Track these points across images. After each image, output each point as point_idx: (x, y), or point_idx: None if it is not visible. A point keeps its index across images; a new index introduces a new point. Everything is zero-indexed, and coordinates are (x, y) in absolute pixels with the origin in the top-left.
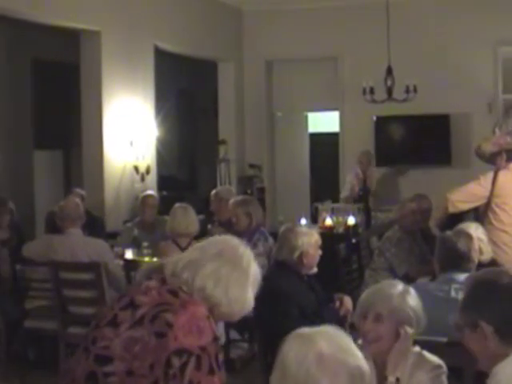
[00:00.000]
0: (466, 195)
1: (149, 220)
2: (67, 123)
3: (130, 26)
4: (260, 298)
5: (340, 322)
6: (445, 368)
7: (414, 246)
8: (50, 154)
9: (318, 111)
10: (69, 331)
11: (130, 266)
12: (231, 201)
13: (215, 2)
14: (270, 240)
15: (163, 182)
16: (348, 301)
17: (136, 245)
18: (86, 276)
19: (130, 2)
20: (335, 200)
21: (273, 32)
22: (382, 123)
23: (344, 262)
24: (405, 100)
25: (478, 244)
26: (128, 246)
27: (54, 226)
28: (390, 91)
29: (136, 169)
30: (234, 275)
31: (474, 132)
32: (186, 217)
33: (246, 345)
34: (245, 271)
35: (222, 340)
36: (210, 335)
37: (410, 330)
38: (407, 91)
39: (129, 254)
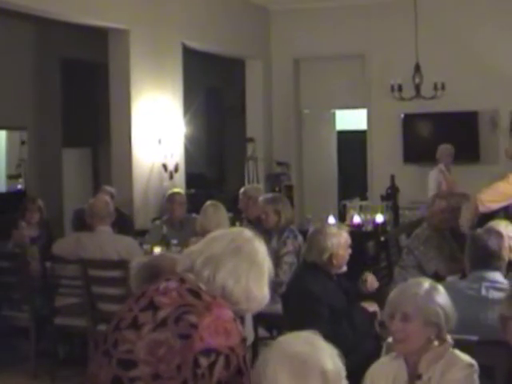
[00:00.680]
0: (495, 194)
1: (178, 218)
2: (95, 121)
3: (157, 24)
4: (290, 298)
5: (369, 320)
6: (476, 367)
7: (443, 244)
8: (79, 152)
9: (345, 109)
10: (98, 328)
11: None
12: (261, 198)
13: (243, 1)
14: (300, 238)
15: (191, 179)
16: (372, 278)
17: (165, 242)
18: (115, 273)
19: (157, 0)
20: (363, 198)
21: (300, 30)
22: (409, 121)
23: (373, 260)
24: (433, 97)
25: (508, 242)
26: (157, 244)
27: (81, 224)
28: (418, 88)
29: (164, 167)
30: (252, 271)
31: (502, 129)
32: (217, 215)
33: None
34: (261, 267)
35: (251, 338)
36: (238, 337)
37: (449, 340)
38: (435, 88)
39: (157, 252)
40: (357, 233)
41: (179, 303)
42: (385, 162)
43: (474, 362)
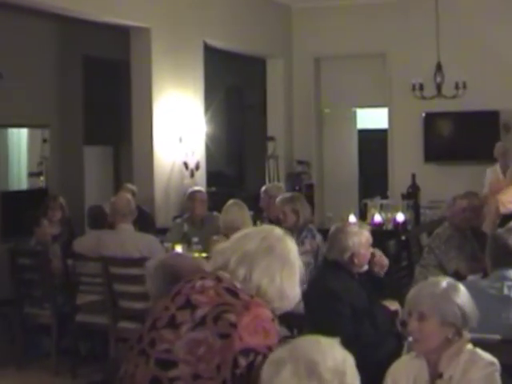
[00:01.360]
0: None
1: (199, 216)
2: (117, 119)
3: (179, 22)
4: (312, 298)
5: (391, 319)
6: (498, 365)
7: (464, 243)
8: (100, 150)
9: (366, 108)
10: (119, 326)
11: None
12: (278, 198)
13: None
14: (318, 237)
15: (212, 178)
16: (381, 255)
17: (186, 240)
18: (136, 271)
19: None
20: (384, 196)
21: (321, 29)
22: (431, 120)
23: (394, 259)
24: (454, 96)
25: None
26: (178, 242)
27: (97, 221)
28: (439, 87)
29: (185, 165)
30: (285, 271)
31: None
32: (241, 213)
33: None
34: (293, 266)
35: None
36: (276, 336)
37: (467, 335)
38: (457, 87)
39: (179, 250)
40: (377, 232)
41: (217, 302)
42: (406, 160)
43: (495, 360)
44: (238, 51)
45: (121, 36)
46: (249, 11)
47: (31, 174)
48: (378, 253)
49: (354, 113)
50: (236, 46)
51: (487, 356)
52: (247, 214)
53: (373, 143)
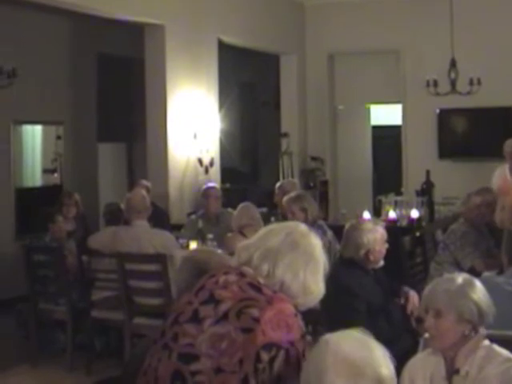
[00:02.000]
0: None
1: (213, 212)
2: (131, 116)
3: (193, 19)
4: (327, 294)
5: (407, 316)
6: None
7: (479, 239)
8: (114, 146)
9: (380, 104)
10: (134, 322)
11: None
12: (285, 198)
13: None
14: (329, 233)
15: (226, 174)
16: (414, 296)
17: (201, 237)
18: (151, 267)
19: None
20: (398, 193)
21: (335, 25)
22: (445, 116)
23: (408, 256)
24: (469, 93)
25: None
26: (192, 238)
27: (114, 218)
28: (453, 84)
29: (200, 161)
30: (310, 266)
31: None
32: (250, 211)
33: (309, 337)
34: (318, 261)
35: None
36: (299, 332)
37: (483, 331)
38: (471, 84)
39: (193, 246)
40: (392, 228)
41: (240, 297)
42: (420, 157)
43: None
44: (252, 48)
45: (135, 33)
46: (262, 8)
47: (45, 171)
48: (411, 292)
49: (368, 109)
50: (250, 43)
51: (504, 352)
52: (257, 213)
53: (387, 140)
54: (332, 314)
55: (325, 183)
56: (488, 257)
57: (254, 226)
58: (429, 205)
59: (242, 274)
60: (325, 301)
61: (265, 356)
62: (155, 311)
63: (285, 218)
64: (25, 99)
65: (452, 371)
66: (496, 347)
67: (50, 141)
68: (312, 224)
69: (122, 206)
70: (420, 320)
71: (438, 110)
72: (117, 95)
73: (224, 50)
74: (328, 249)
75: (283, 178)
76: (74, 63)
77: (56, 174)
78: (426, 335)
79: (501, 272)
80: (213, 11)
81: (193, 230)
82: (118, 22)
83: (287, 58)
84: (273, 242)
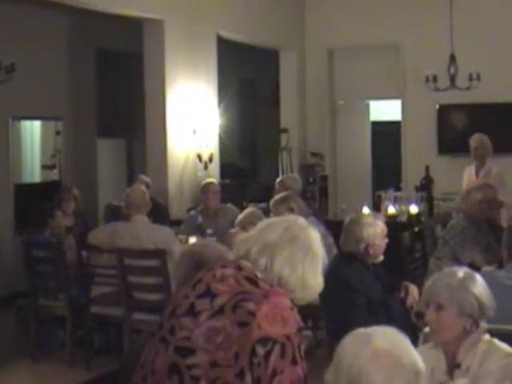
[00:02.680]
0: None
1: (213, 207)
2: (130, 112)
3: (192, 14)
4: (327, 289)
5: (406, 310)
6: None
7: (479, 235)
8: (114, 142)
9: (379, 99)
10: (133, 317)
11: None
12: (271, 202)
13: None
14: (322, 228)
15: (225, 170)
16: (414, 290)
17: (200, 232)
18: (151, 262)
19: None
20: (397, 188)
21: (334, 20)
22: (444, 111)
23: (408, 251)
24: (468, 88)
25: None
26: (192, 234)
27: (113, 217)
28: (453, 79)
29: (199, 157)
30: (308, 260)
31: None
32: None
33: (309, 332)
34: (316, 255)
35: None
36: (295, 325)
37: (484, 325)
38: (470, 79)
39: (193, 241)
40: (391, 223)
41: (237, 290)
42: (419, 152)
43: None
44: (252, 43)
45: (134, 28)
46: (262, 3)
47: (44, 167)
48: (411, 286)
49: (368, 105)
50: (249, 38)
51: (505, 347)
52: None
53: (386, 135)
54: (332, 308)
55: (324, 179)
56: (488, 252)
57: (256, 224)
58: (428, 200)
59: (239, 268)
60: (325, 295)
61: (260, 350)
62: (154, 307)
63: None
64: (23, 94)
65: (453, 365)
66: (497, 341)
67: (48, 136)
68: None
69: (122, 203)
70: (420, 315)
71: (437, 106)
72: (116, 90)
73: (224, 45)
74: (322, 243)
75: (282, 173)
76: (72, 58)
77: (55, 170)
78: (426, 329)
79: (501, 267)
80: (212, 6)
81: (192, 226)
82: (116, 17)
83: (287, 53)
84: (271, 235)
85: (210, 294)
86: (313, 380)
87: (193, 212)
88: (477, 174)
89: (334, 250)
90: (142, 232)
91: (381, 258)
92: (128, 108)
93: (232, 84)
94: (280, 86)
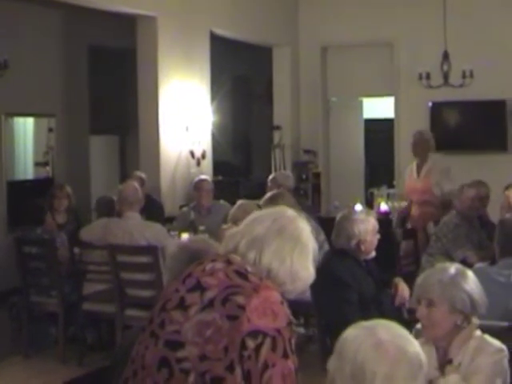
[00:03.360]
0: None
1: (205, 204)
2: (123, 109)
3: (186, 11)
4: (319, 285)
5: (398, 306)
6: (506, 352)
7: (471, 231)
8: (106, 139)
9: (373, 97)
10: (126, 314)
11: None
12: (261, 202)
13: None
14: (312, 223)
15: (218, 167)
16: (404, 289)
17: (193, 229)
18: (143, 259)
19: None
20: (390, 186)
21: (328, 17)
22: (437, 109)
23: (400, 247)
24: (461, 85)
25: None
26: (184, 230)
27: (106, 211)
28: (446, 76)
29: (192, 154)
30: (296, 252)
31: None
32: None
33: (301, 329)
34: (305, 246)
35: None
36: (285, 319)
37: (476, 321)
38: (464, 76)
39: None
40: (384, 220)
41: (226, 284)
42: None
43: (504, 346)
44: (245, 40)
45: (127, 24)
46: (255, 0)
47: (37, 164)
48: (401, 285)
49: (361, 102)
50: (243, 35)
51: (496, 342)
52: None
53: (379, 132)
54: (324, 304)
55: (317, 176)
56: (480, 249)
57: None
58: None
59: (228, 262)
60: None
61: (250, 343)
62: (147, 303)
63: None
64: (16, 91)
65: (444, 361)
66: (488, 337)
67: (41, 133)
68: None
69: (115, 197)
70: (412, 311)
71: (430, 103)
72: (109, 87)
73: (218, 42)
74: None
75: (275, 170)
76: (66, 55)
77: (48, 167)
78: (418, 326)
79: (493, 263)
80: (205, 3)
81: (185, 222)
82: (110, 14)
83: (280, 50)
84: (259, 228)
85: (199, 287)
86: (304, 375)
87: (185, 209)
88: (418, 172)
89: (326, 247)
90: (134, 228)
91: (373, 254)
92: (121, 105)
93: (225, 81)
94: (273, 83)
